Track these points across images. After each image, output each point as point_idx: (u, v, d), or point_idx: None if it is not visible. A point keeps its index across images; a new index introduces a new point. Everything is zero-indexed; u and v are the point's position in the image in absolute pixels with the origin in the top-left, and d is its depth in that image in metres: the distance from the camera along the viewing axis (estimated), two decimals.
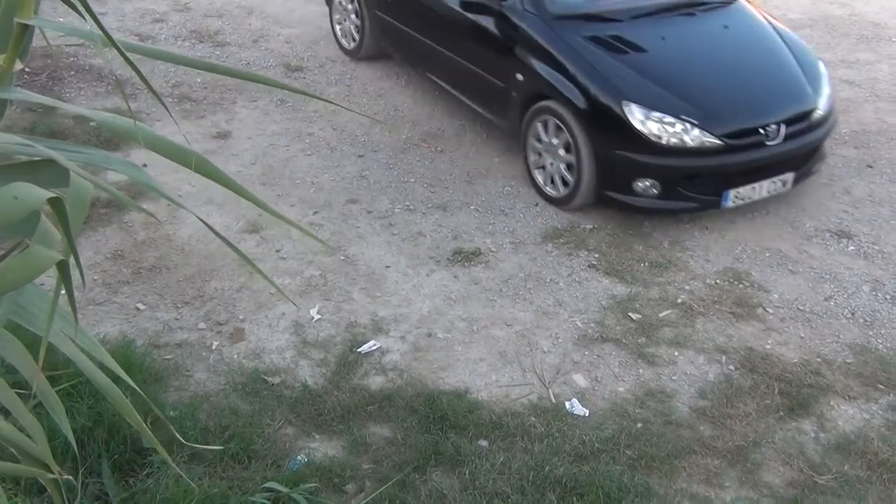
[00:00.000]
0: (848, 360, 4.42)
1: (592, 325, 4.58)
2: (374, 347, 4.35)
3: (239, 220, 5.17)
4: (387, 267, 4.95)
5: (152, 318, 4.43)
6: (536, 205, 5.59)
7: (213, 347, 4.28)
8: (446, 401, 4.01)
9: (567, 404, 4.10)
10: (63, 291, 1.50)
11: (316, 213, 5.38)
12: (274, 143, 6.12)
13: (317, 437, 3.84)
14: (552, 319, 4.59)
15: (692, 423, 4.05)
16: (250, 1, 8.70)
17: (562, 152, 5.43)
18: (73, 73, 6.76)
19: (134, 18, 7.95)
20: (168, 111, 2.11)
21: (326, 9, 8.70)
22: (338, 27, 7.62)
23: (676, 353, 4.44)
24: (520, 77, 5.56)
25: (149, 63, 6.78)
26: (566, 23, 5.57)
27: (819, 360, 4.40)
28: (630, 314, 4.65)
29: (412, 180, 5.78)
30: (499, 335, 4.50)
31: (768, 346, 4.48)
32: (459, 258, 5.04)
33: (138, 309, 4.48)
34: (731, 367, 4.36)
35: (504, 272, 4.96)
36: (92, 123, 5.90)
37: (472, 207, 5.54)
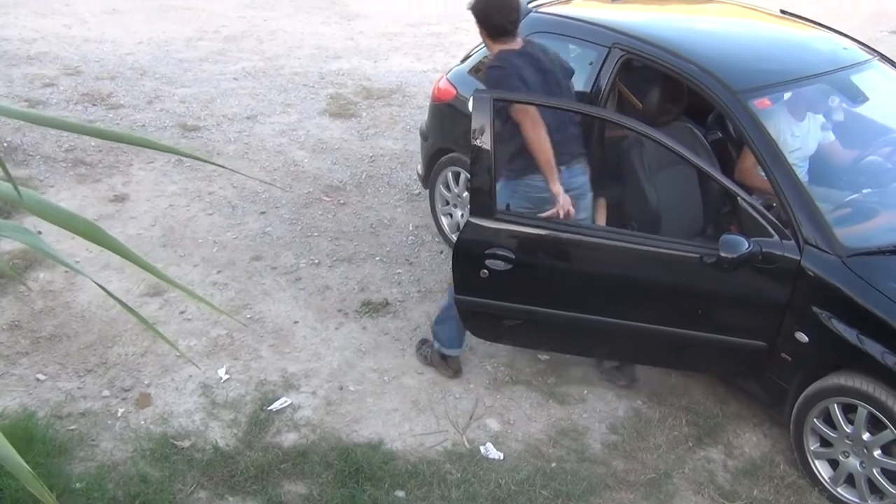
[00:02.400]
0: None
1: (503, 368, 4.62)
2: (286, 404, 4.30)
3: (139, 284, 5.07)
4: (295, 322, 4.91)
5: (54, 388, 4.30)
6: (441, 252, 5.63)
7: (119, 415, 4.17)
8: (361, 453, 3.99)
9: (482, 449, 4.11)
10: None
11: (220, 272, 5.32)
12: (173, 204, 6.04)
13: (230, 499, 3.76)
14: (463, 365, 4.61)
15: (605, 458, 4.10)
16: (143, 62, 8.63)
17: (879, 455, 3.72)
18: None
19: (23, 84, 7.80)
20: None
21: (222, 67, 8.70)
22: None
23: (586, 391, 4.50)
24: (802, 337, 3.87)
25: (40, 127, 6.66)
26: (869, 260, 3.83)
27: (724, 389, 4.52)
28: (539, 355, 4.70)
29: (316, 234, 5.77)
30: (411, 384, 4.50)
31: (673, 379, 4.58)
32: (368, 310, 5.04)
33: (38, 380, 4.34)
34: (640, 402, 4.45)
35: (413, 321, 4.97)
36: None
37: (377, 258, 5.56)
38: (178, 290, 4.93)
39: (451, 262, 4.15)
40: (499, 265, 4.03)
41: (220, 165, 1.90)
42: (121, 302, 1.76)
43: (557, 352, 4.63)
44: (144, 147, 1.86)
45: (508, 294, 4.17)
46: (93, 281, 1.81)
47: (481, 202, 4.03)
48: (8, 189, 1.75)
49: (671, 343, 4.17)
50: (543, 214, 4.03)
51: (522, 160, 4.13)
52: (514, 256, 4.03)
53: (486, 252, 4.03)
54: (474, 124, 3.97)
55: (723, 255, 3.72)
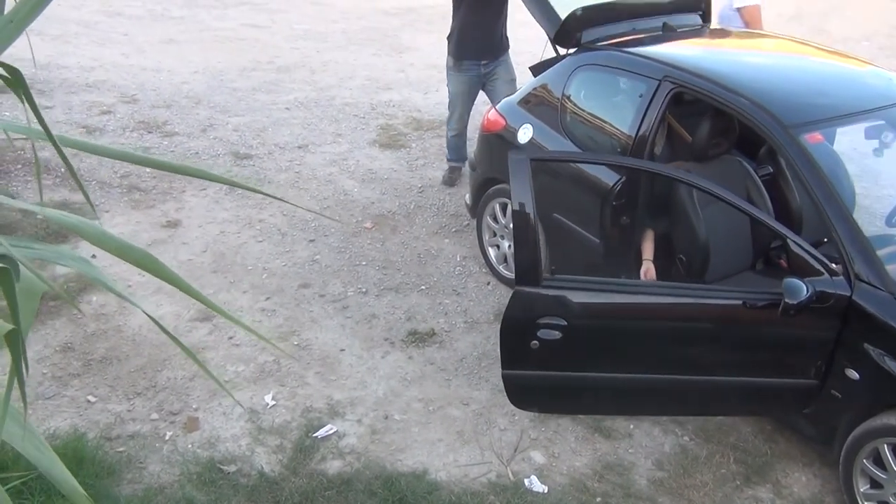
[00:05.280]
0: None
1: None
2: (331, 431, 4.31)
3: (190, 309, 5.14)
4: (341, 350, 4.94)
5: (104, 410, 4.36)
6: (488, 283, 5.64)
7: (167, 438, 4.21)
8: (405, 482, 3.98)
9: (526, 481, 4.09)
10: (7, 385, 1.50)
11: (268, 298, 5.37)
12: (224, 231, 6.12)
13: None
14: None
15: (651, 494, 4.06)
16: (198, 91, 8.79)
17: None
18: (19, 166, 6.73)
19: (81, 111, 7.97)
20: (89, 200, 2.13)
21: (274, 96, 8.83)
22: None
23: (632, 426, 4.46)
24: (852, 374, 3.82)
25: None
26: None
27: (773, 426, 4.45)
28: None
29: (364, 263, 5.81)
30: (456, 415, 4.50)
31: (721, 416, 4.52)
32: (414, 339, 5.05)
33: (89, 401, 4.41)
34: (687, 438, 4.40)
35: (458, 352, 4.97)
36: (39, 216, 5.87)
37: (424, 288, 5.58)
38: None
39: (496, 294, 4.10)
40: (552, 334, 3.80)
41: (271, 196, 1.93)
42: (166, 331, 1.78)
43: (612, 414, 4.50)
44: (204, 179, 1.90)
45: (561, 362, 3.96)
46: (143, 311, 1.83)
47: (527, 270, 3.82)
48: (73, 221, 1.79)
49: (731, 391, 4.05)
50: None
51: None
52: (566, 323, 3.82)
53: (538, 322, 3.82)
54: (513, 188, 3.81)
55: (787, 301, 3.61)
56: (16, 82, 1.51)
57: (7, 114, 7.20)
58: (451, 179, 7.07)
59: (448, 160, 7.08)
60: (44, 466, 1.72)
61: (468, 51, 6.48)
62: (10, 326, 1.45)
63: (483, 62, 6.50)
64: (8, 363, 1.52)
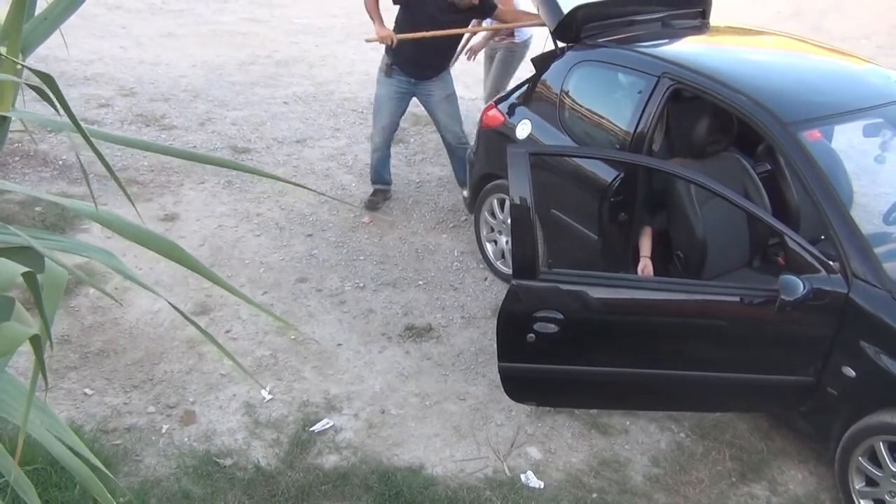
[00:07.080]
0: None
1: None
2: (328, 426, 4.32)
3: (187, 302, 5.13)
4: (338, 345, 4.94)
5: (100, 402, 4.36)
6: (486, 279, 5.64)
7: (163, 431, 4.21)
8: (401, 477, 3.99)
9: (522, 477, 4.09)
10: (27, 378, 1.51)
11: (265, 293, 5.37)
12: (222, 225, 6.12)
13: None
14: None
15: (647, 491, 4.06)
16: (196, 85, 8.77)
17: None
18: (17, 158, 6.72)
19: (79, 104, 7.95)
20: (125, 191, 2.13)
21: (273, 91, 8.82)
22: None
23: (629, 423, 4.47)
24: (849, 372, 3.80)
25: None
26: None
27: (769, 424, 4.46)
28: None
29: (362, 258, 5.81)
30: (452, 410, 4.50)
31: (717, 414, 4.52)
32: (411, 334, 5.05)
33: (86, 394, 4.41)
34: (683, 435, 4.41)
35: (456, 347, 4.98)
36: (38, 208, 5.87)
37: (421, 283, 5.58)
38: (224, 310, 4.98)
39: (493, 290, 4.10)
40: (549, 328, 3.81)
41: (285, 181, 1.93)
42: (199, 327, 1.79)
43: (608, 409, 4.51)
44: (229, 168, 1.90)
45: (557, 356, 3.97)
46: (170, 303, 1.83)
47: (524, 264, 3.83)
48: (87, 208, 1.80)
49: (726, 387, 4.06)
50: None
51: None
52: (562, 317, 3.83)
53: (535, 315, 3.82)
54: (512, 182, 3.82)
55: (783, 297, 3.63)
56: (51, 89, 1.51)
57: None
58: (371, 203, 6.48)
59: (371, 181, 6.56)
60: (59, 455, 1.72)
61: (400, 61, 6.06)
62: (32, 331, 1.46)
63: (412, 80, 6.09)
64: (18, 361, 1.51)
